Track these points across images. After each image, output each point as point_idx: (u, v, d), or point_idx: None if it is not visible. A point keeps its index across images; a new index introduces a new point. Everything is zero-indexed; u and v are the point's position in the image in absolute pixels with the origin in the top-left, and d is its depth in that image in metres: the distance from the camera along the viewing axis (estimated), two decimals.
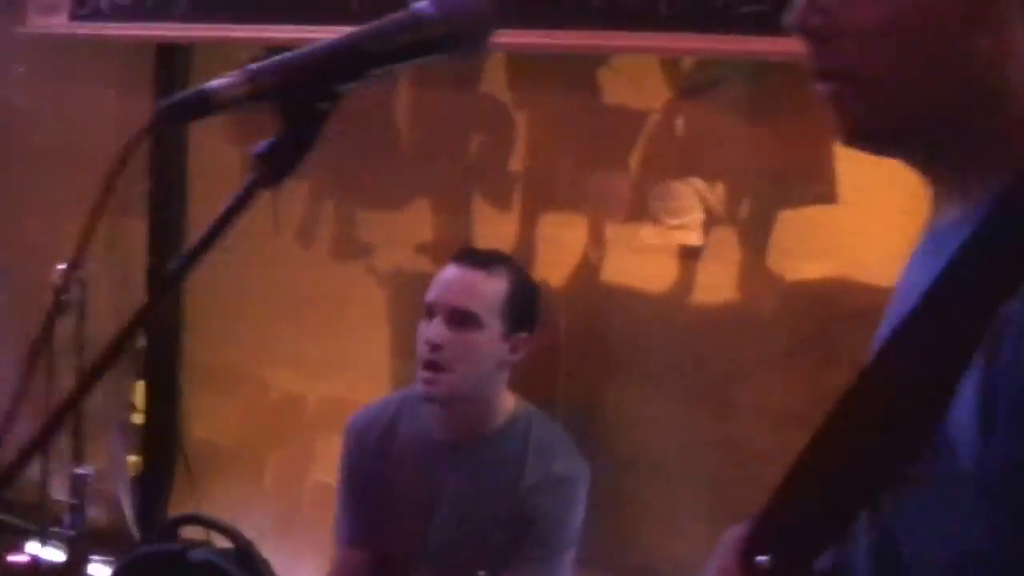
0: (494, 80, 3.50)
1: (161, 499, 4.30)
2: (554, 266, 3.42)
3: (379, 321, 3.77)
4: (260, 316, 3.97)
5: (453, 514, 3.16)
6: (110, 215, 4.28)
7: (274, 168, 1.35)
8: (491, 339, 3.08)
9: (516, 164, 3.49)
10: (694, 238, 3.23)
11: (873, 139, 1.38)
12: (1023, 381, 1.18)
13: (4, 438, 1.45)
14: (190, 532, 3.70)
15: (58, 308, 3.55)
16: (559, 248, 3.42)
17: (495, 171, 3.52)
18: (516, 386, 3.20)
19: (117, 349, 1.35)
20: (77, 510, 4.01)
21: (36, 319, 4.00)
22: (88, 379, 1.38)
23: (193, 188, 4.17)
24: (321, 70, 1.35)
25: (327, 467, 3.36)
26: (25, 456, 1.30)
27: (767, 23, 2.77)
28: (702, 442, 3.26)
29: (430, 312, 3.10)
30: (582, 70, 3.34)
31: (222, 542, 3.53)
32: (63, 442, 4.03)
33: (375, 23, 1.37)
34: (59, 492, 4.11)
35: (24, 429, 1.28)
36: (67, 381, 4.01)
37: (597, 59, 3.31)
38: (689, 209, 3.22)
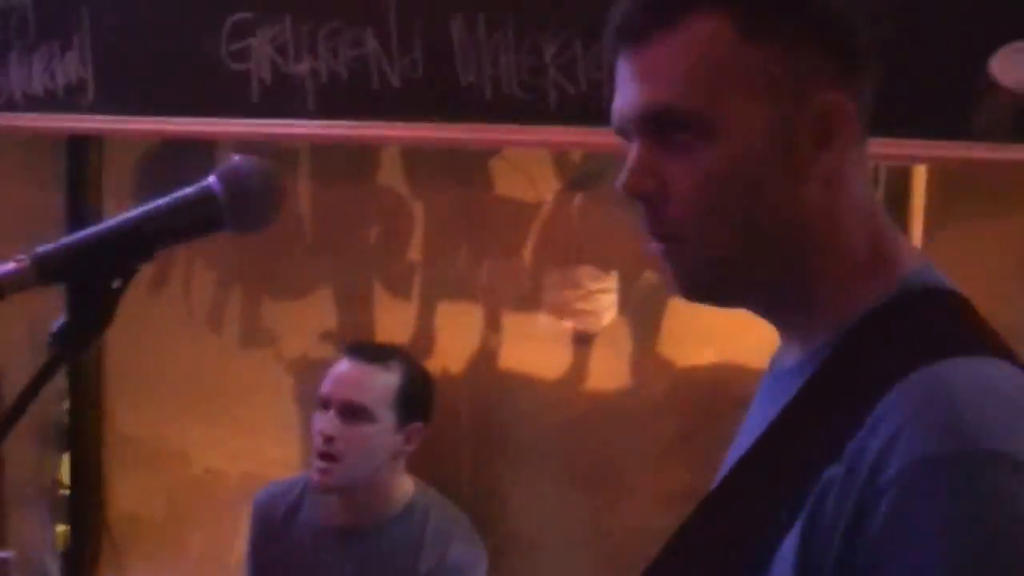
0: (391, 172, 3.57)
1: (88, 572, 4.33)
2: (453, 353, 3.48)
3: (286, 404, 3.82)
4: (178, 395, 4.00)
5: None
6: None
7: (70, 346, 1.40)
8: (383, 431, 3.15)
9: (414, 254, 3.54)
10: (587, 325, 3.28)
11: (706, 294, 1.40)
12: (841, 552, 1.20)
13: None
14: None
15: None
16: (458, 335, 3.48)
17: (394, 261, 3.57)
18: (419, 470, 3.26)
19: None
20: None
21: None
22: None
23: None
24: (109, 253, 1.40)
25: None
26: None
27: None
28: (599, 525, 3.31)
29: (324, 404, 3.17)
30: (475, 162, 3.41)
31: None
32: None
33: (162, 202, 1.42)
34: None
35: None
36: None
37: (490, 151, 3.37)
38: (582, 298, 3.27)
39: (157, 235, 1.41)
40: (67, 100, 3.92)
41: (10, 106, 4.05)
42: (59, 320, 1.39)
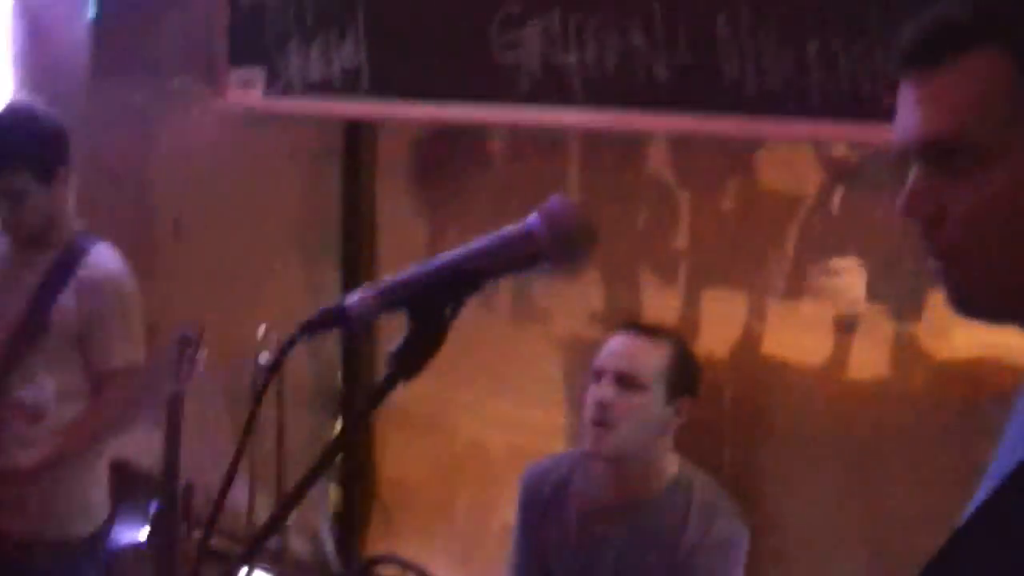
0: (658, 162, 3.67)
1: (358, 533, 4.54)
2: (717, 338, 3.57)
3: (554, 380, 3.95)
4: (449, 366, 4.15)
5: (613, 572, 3.31)
6: (305, 264, 4.56)
7: (407, 365, 1.55)
8: (655, 402, 3.25)
9: (680, 241, 3.64)
10: (850, 314, 3.33)
11: (980, 312, 1.48)
12: None
13: (222, 501, 1.71)
14: (386, 571, 3.92)
15: (267, 378, 3.83)
16: (722, 321, 3.56)
17: (660, 247, 3.68)
18: (683, 451, 3.36)
19: (315, 475, 1.58)
20: (280, 542, 4.29)
21: (236, 371, 4.28)
22: (290, 500, 1.59)
23: (381, 237, 4.40)
24: (442, 287, 1.55)
25: (512, 510, 3.52)
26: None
27: None
28: (856, 509, 3.36)
29: (598, 376, 3.29)
30: (740, 154, 3.49)
31: None
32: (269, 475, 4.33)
33: (489, 241, 1.55)
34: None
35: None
36: (268, 428, 4.31)
37: (753, 144, 3.44)
38: (845, 287, 3.32)
39: (484, 271, 1.54)
40: (343, 86, 4.10)
41: (289, 92, 4.25)
42: (398, 342, 1.53)
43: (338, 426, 4.53)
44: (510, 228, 1.54)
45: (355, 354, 4.42)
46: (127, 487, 4.17)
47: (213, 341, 3.81)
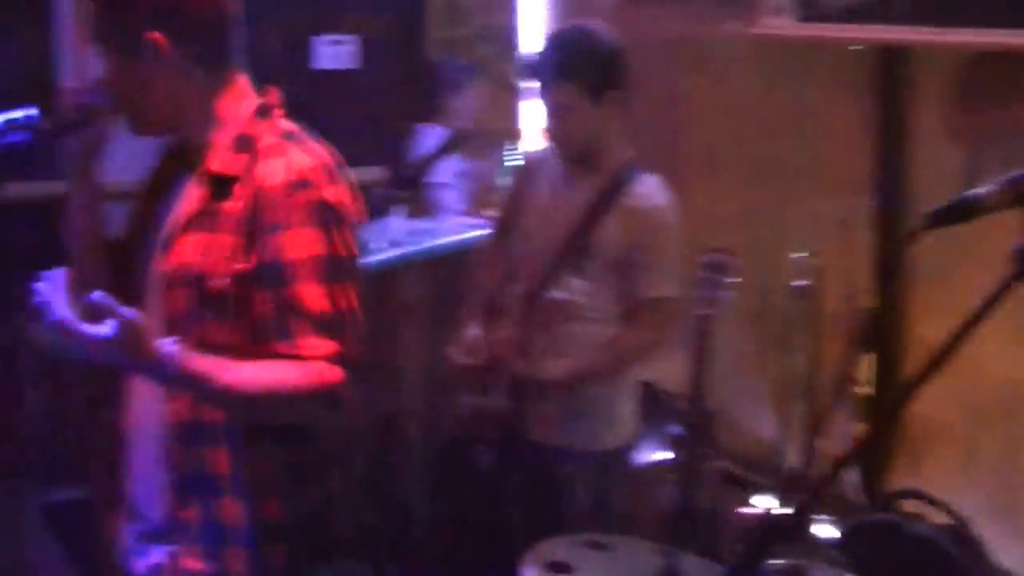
0: None
1: (881, 469, 4.48)
2: None
3: None
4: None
5: None
6: (835, 193, 4.50)
7: None
8: None
9: None
10: None
11: None
12: None
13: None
14: (909, 505, 3.85)
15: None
16: None
17: None
18: None
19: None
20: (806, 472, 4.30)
21: (765, 298, 4.28)
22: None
23: (914, 168, 4.28)
24: None
25: None
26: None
27: None
28: None
29: None
30: None
31: (938, 518, 3.68)
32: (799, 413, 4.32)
33: None
34: (791, 459, 4.40)
35: None
36: (800, 358, 4.30)
37: None
38: None
39: None
40: (877, 12, 4.01)
41: (822, 17, 4.19)
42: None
43: (867, 360, 4.44)
44: None
45: (886, 285, 4.32)
46: (650, 408, 4.26)
47: (742, 268, 3.83)
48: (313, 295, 2.40)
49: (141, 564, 2.67)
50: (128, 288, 2.54)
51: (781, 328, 4.40)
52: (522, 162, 4.57)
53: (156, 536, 2.62)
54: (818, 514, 4.22)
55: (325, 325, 2.40)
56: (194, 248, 2.47)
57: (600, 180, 3.84)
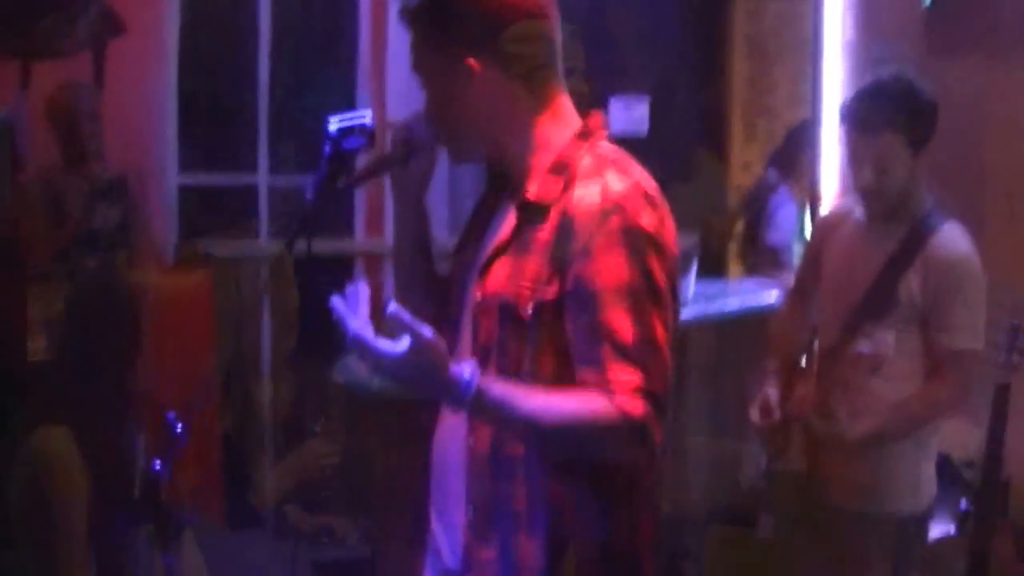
0: None
1: None
2: None
3: None
4: None
5: None
6: None
7: None
8: None
9: None
10: None
11: None
12: None
13: None
14: None
15: None
16: None
17: None
18: None
19: None
20: None
21: None
22: None
23: None
24: None
25: None
26: None
27: None
28: None
29: None
30: None
31: None
32: None
33: None
34: None
35: None
36: None
37: None
38: None
39: None
40: None
41: None
42: None
43: None
44: None
45: None
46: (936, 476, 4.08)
47: None
48: (622, 324, 2.31)
49: None
50: (453, 320, 2.54)
51: None
52: (821, 220, 4.51)
53: None
54: None
55: (632, 356, 2.31)
56: (503, 274, 2.43)
57: (903, 230, 3.74)
